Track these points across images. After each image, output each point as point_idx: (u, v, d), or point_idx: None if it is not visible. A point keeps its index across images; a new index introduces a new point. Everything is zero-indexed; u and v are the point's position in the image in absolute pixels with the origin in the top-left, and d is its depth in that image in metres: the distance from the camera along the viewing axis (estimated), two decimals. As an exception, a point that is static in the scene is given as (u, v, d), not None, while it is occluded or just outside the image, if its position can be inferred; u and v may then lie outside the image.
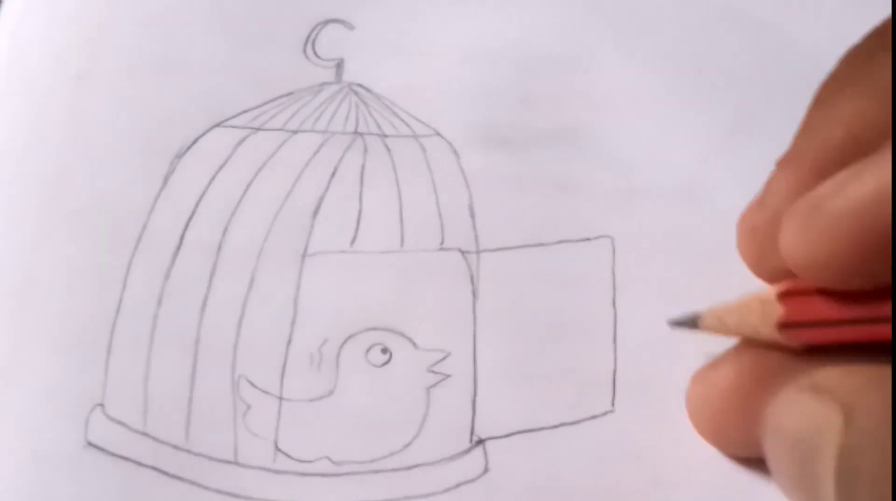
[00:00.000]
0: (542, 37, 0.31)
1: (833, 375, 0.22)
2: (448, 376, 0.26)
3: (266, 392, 0.25)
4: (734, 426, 0.25)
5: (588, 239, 0.28)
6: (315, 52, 0.30)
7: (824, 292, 0.22)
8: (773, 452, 0.23)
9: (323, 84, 0.30)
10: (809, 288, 0.23)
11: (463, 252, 0.27)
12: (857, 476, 0.20)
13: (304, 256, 0.27)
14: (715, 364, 0.25)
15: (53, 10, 0.30)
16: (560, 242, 0.28)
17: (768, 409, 0.23)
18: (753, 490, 0.25)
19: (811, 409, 0.21)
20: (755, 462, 0.25)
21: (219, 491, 0.24)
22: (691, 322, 0.24)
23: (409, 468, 0.25)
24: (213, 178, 0.28)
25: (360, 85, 0.30)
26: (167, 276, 0.27)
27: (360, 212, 0.28)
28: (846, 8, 0.29)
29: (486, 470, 0.25)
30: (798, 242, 0.22)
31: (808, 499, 0.22)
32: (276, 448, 0.25)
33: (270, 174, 0.28)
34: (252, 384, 0.25)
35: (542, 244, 0.28)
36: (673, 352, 0.26)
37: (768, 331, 0.23)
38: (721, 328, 0.24)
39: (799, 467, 0.22)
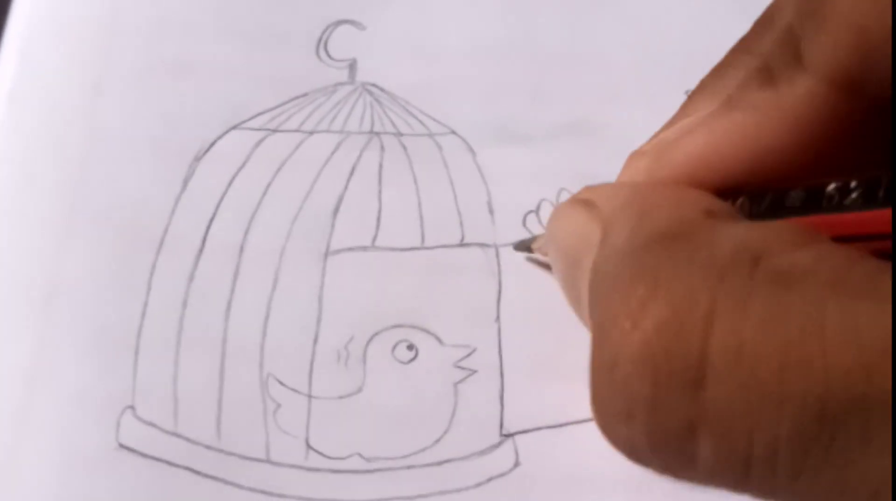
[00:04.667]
0: (553, 32, 0.31)
1: (603, 191, 0.22)
2: (474, 371, 0.26)
3: (295, 391, 0.25)
4: None
5: None
6: (328, 53, 0.30)
7: None
8: (551, 258, 0.24)
9: (337, 84, 0.30)
10: None
11: (483, 247, 0.27)
12: (598, 292, 0.20)
13: (326, 254, 0.27)
14: None
15: (62, 18, 0.30)
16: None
17: (549, 216, 0.24)
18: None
19: (579, 222, 0.22)
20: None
21: (252, 490, 0.24)
22: (526, 245, 0.27)
23: (441, 463, 0.25)
24: (232, 180, 0.28)
25: (373, 84, 0.30)
26: (191, 278, 0.27)
27: (379, 210, 0.28)
28: None
29: (517, 464, 0.25)
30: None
31: (575, 306, 0.23)
32: (308, 446, 0.25)
33: (289, 175, 0.28)
34: (281, 383, 0.25)
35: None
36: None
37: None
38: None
39: (567, 275, 0.22)
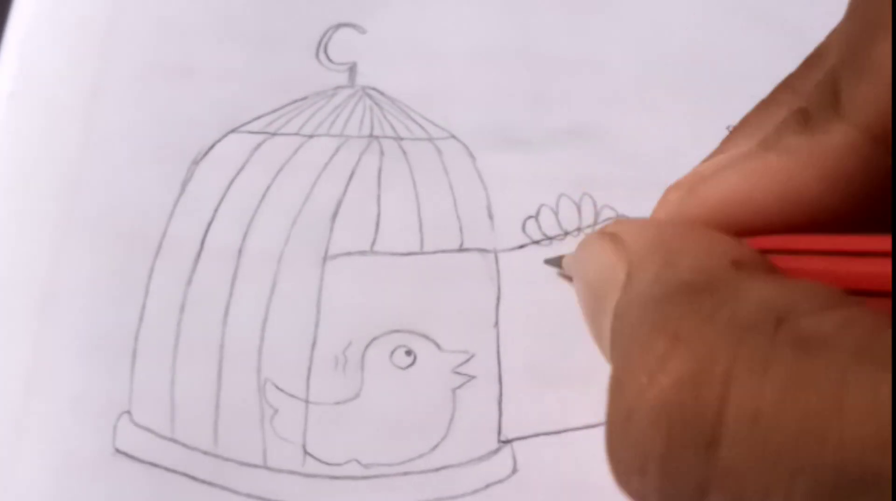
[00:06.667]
0: (554, 37, 0.31)
1: (631, 227, 0.21)
2: (473, 377, 0.26)
3: (292, 396, 0.25)
4: None
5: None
6: (328, 57, 0.30)
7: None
8: (576, 288, 0.23)
9: (337, 88, 0.30)
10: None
11: (482, 252, 0.27)
12: (618, 339, 0.19)
13: (324, 259, 0.27)
14: None
15: (62, 20, 0.30)
16: (577, 229, 0.28)
17: (577, 246, 0.23)
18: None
19: (605, 257, 0.21)
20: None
21: (249, 495, 0.24)
22: (557, 262, 0.26)
23: (438, 469, 0.25)
24: (230, 183, 0.28)
25: (373, 88, 0.30)
26: (189, 282, 0.26)
27: (378, 215, 0.28)
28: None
29: (514, 471, 0.25)
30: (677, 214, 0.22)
31: (598, 341, 0.22)
32: (305, 452, 0.25)
33: (288, 179, 0.28)
34: (278, 388, 0.25)
35: (557, 237, 0.28)
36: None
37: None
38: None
39: (591, 309, 0.22)
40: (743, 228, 0.21)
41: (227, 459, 0.25)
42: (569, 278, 0.27)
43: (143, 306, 0.26)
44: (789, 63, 0.30)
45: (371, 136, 0.29)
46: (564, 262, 0.27)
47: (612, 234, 0.22)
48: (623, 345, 0.19)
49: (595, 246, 0.22)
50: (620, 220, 0.23)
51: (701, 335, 0.17)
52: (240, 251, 0.27)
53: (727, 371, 0.17)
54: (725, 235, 0.21)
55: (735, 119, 0.25)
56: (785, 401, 0.16)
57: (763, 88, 0.30)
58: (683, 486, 0.17)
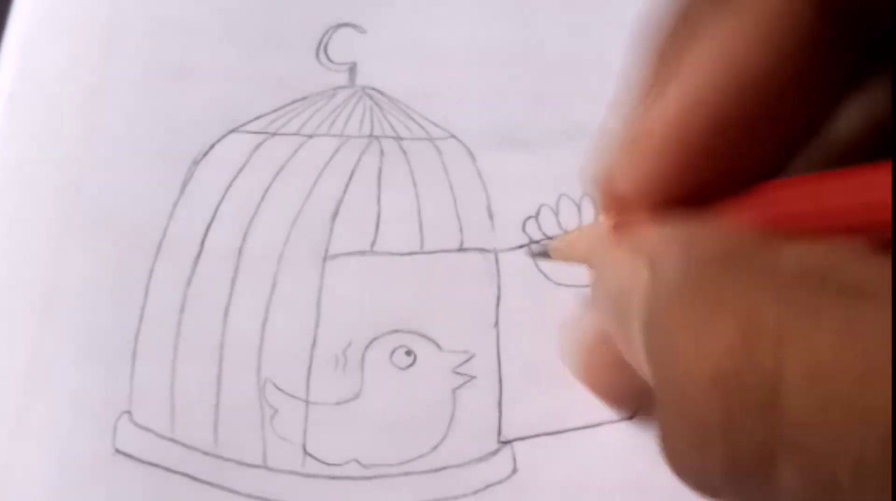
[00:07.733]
0: (554, 37, 0.31)
1: (645, 231, 0.21)
2: (473, 377, 0.26)
3: (292, 396, 0.25)
4: (607, 373, 0.25)
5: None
6: (328, 57, 0.30)
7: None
8: (598, 305, 0.23)
9: (337, 88, 0.30)
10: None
11: (482, 252, 0.27)
12: (654, 326, 0.19)
13: (324, 259, 0.27)
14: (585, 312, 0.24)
15: (62, 20, 0.30)
16: (578, 229, 0.28)
17: (594, 264, 0.22)
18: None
19: (625, 264, 0.21)
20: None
21: (249, 496, 0.24)
22: (544, 252, 0.25)
23: (438, 470, 0.25)
24: (230, 183, 0.28)
25: (373, 88, 0.30)
26: (189, 282, 0.26)
27: (378, 214, 0.28)
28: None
29: (514, 471, 0.25)
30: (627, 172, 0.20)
31: (627, 349, 0.21)
32: (305, 452, 0.25)
33: (288, 179, 0.28)
34: (278, 388, 0.25)
35: (557, 237, 0.28)
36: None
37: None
38: (570, 255, 0.24)
39: (617, 317, 0.21)
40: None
41: (227, 459, 0.25)
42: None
43: (143, 306, 0.26)
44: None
45: (371, 136, 0.29)
46: (552, 249, 0.26)
47: (627, 237, 0.21)
48: (660, 329, 0.18)
49: (609, 255, 0.22)
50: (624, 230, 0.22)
51: (744, 296, 0.17)
52: (240, 251, 0.27)
53: (778, 328, 0.16)
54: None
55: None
56: (843, 348, 0.16)
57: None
58: (749, 452, 0.17)
